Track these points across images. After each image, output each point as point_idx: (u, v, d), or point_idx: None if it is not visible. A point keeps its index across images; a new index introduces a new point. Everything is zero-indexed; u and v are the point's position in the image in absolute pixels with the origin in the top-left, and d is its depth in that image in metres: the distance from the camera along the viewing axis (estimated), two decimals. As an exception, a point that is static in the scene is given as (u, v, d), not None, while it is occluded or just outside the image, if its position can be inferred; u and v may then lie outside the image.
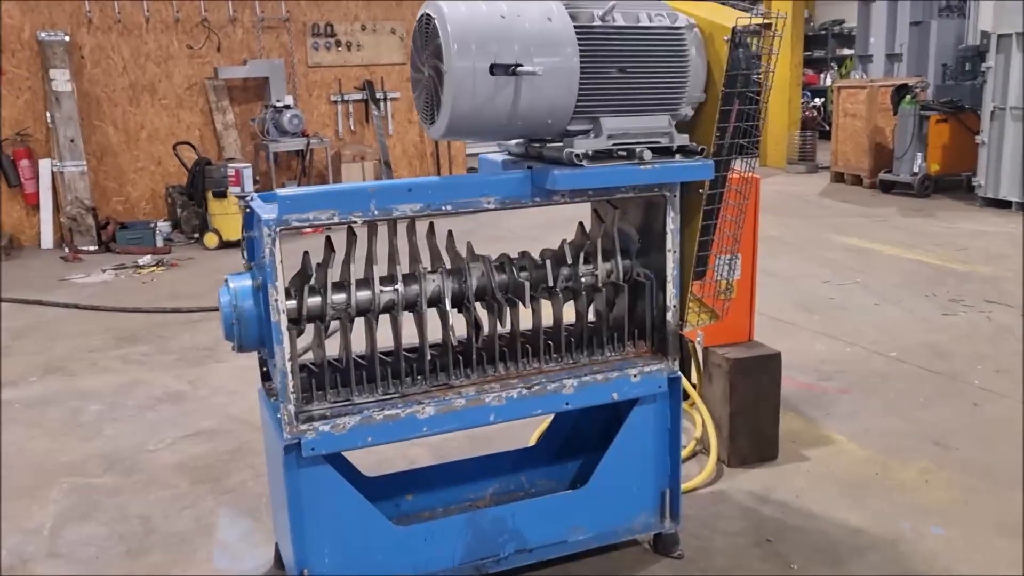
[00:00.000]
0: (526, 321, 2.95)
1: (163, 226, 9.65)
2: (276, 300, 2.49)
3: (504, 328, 2.93)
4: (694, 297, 3.19)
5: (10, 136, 9.67)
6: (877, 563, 3.08)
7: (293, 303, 2.66)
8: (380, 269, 2.76)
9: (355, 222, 2.55)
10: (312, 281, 2.69)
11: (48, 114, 9.58)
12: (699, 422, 3.91)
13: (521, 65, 2.46)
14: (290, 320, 2.65)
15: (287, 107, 10.33)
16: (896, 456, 3.87)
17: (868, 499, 3.51)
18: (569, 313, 3.00)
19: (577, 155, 2.58)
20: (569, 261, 2.96)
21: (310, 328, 2.71)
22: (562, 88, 2.54)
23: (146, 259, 8.52)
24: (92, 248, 9.37)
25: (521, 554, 2.98)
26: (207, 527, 3.46)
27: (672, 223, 2.86)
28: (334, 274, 2.73)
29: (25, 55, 9.71)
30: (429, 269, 2.84)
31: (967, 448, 3.93)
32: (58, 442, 4.34)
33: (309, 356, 2.84)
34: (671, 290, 2.92)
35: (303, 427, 2.58)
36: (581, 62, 2.55)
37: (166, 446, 4.23)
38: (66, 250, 9.21)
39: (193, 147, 9.91)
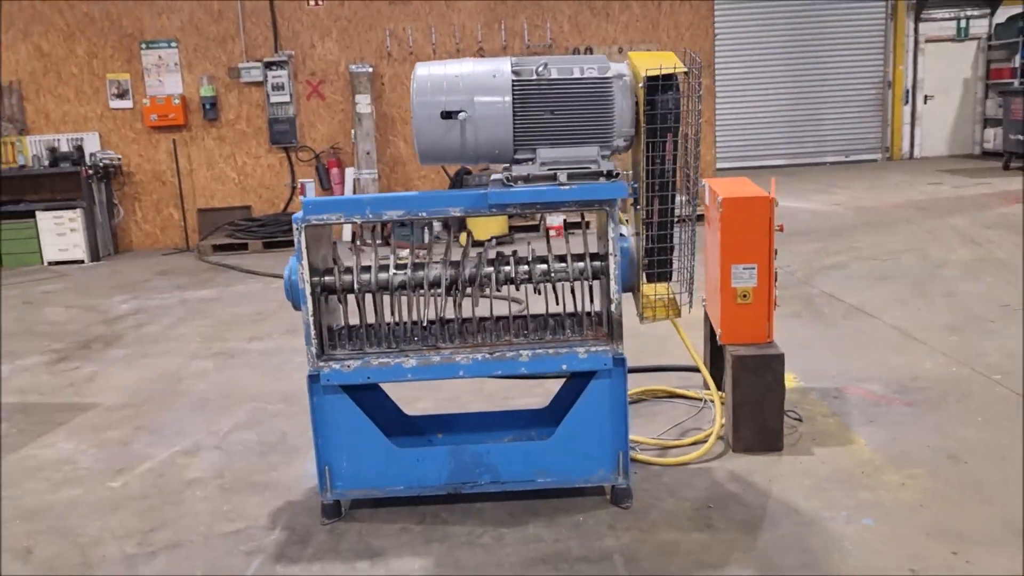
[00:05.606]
0: (508, 308, 3.81)
1: (436, 225, 11.37)
2: (301, 274, 3.63)
3: (483, 311, 3.82)
4: (659, 295, 3.83)
5: (325, 149, 12.00)
6: (783, 536, 3.49)
7: (332, 278, 3.79)
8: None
9: (355, 222, 3.61)
10: (338, 263, 3.80)
11: (352, 131, 11.74)
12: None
13: (462, 111, 3.35)
14: (326, 290, 3.78)
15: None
16: (897, 462, 4.09)
17: (832, 491, 3.85)
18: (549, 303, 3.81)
19: (508, 177, 3.42)
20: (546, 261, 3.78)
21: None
22: (499, 127, 3.39)
23: (404, 253, 10.22)
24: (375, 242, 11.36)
25: (494, 484, 3.83)
26: (317, 444, 4.71)
27: (612, 232, 3.56)
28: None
29: (340, 84, 11.98)
30: (434, 260, 3.82)
31: (977, 463, 4.03)
32: (261, 380, 5.90)
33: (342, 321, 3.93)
34: (613, 287, 3.61)
35: (320, 363, 3.69)
36: (515, 107, 3.38)
37: (328, 389, 5.58)
38: (355, 242, 11.25)
39: (459, 159, 11.51)
